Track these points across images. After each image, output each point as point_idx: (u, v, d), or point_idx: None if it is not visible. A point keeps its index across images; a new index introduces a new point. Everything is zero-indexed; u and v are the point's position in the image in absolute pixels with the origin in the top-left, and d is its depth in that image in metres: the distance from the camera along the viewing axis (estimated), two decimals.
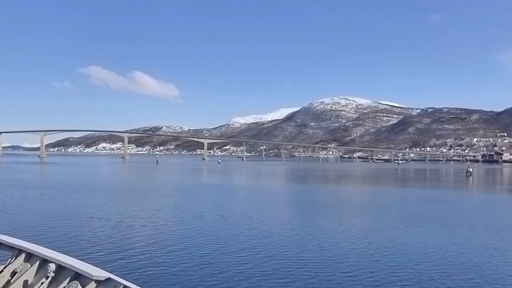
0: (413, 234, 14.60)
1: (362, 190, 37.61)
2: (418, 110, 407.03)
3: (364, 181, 49.34)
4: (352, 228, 15.78)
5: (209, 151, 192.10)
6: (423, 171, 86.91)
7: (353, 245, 12.62)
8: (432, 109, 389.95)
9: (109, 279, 3.22)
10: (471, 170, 62.02)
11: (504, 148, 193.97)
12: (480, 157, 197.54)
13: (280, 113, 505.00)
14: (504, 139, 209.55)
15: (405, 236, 14.24)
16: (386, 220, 17.58)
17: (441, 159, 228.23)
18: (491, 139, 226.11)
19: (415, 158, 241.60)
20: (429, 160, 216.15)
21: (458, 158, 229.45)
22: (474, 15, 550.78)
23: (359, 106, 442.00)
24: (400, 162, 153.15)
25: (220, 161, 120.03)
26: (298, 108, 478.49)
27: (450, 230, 15.37)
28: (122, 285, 3.09)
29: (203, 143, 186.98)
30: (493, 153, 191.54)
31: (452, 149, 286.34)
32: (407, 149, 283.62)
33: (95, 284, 3.24)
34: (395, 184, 44.78)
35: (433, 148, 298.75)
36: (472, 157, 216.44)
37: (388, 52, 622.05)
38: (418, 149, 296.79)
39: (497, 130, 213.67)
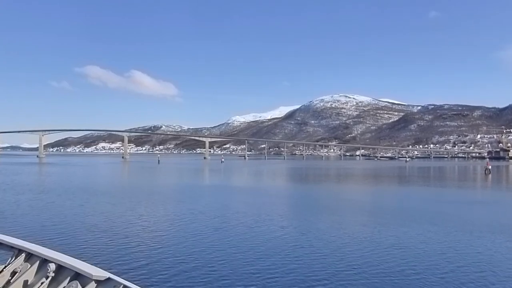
0: (497, 248, 11.75)
1: (387, 191, 34.55)
2: (419, 107, 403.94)
3: (382, 181, 46.45)
4: (405, 239, 12.74)
5: (209, 150, 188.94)
6: (434, 169, 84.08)
7: (417, 266, 9.75)
8: (433, 106, 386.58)
9: (109, 279, 3.23)
10: (490, 167, 59.24)
11: (509, 144, 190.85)
12: (486, 154, 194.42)
13: (280, 112, 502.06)
14: (509, 136, 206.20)
15: (491, 252, 11.34)
16: (442, 229, 14.65)
17: (446, 156, 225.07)
18: (495, 136, 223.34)
19: (418, 155, 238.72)
20: (434, 157, 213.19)
21: (463, 155, 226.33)
22: (473, 11, 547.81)
23: (359, 104, 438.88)
24: (407, 159, 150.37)
25: (223, 160, 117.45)
26: (297, 106, 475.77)
27: None
28: (122, 285, 3.10)
29: (203, 142, 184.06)
30: (498, 149, 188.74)
31: (456, 146, 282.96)
32: (410, 146, 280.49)
33: (95, 284, 3.25)
34: (418, 184, 41.87)
35: (437, 145, 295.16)
36: (477, 154, 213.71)
37: (387, 49, 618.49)
38: (421, 146, 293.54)
39: (502, 126, 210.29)
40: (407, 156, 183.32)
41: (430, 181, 46.78)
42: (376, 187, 37.65)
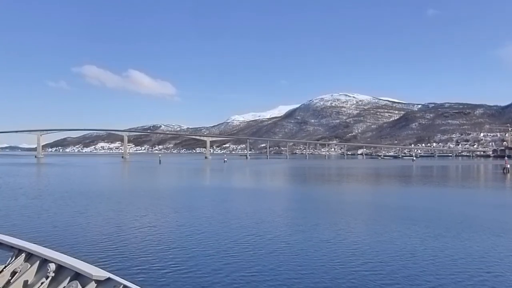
0: None
1: (413, 193, 31.78)
2: (419, 106, 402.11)
3: (400, 181, 43.86)
4: (474, 255, 10.08)
5: (209, 149, 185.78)
6: (445, 168, 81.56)
7: None
8: (433, 105, 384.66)
9: (109, 279, 3.22)
10: (508, 166, 56.69)
11: None
12: (491, 152, 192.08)
13: (279, 111, 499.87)
14: None
15: None
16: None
17: (450, 154, 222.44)
18: (498, 134, 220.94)
19: (422, 154, 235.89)
20: (437, 156, 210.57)
21: (467, 154, 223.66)
22: (471, 9, 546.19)
23: (360, 102, 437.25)
24: (414, 158, 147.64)
25: (225, 159, 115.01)
26: (297, 106, 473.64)
27: None
28: (122, 285, 3.09)
29: (202, 141, 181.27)
30: (503, 148, 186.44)
31: (459, 145, 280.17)
32: (413, 145, 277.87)
33: (95, 284, 3.24)
34: (441, 185, 39.21)
35: (439, 143, 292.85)
36: (482, 152, 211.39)
37: (386, 47, 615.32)
38: (424, 144, 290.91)
39: (507, 124, 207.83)
40: (413, 155, 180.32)
41: (451, 182, 44.18)
42: (399, 189, 34.94)
